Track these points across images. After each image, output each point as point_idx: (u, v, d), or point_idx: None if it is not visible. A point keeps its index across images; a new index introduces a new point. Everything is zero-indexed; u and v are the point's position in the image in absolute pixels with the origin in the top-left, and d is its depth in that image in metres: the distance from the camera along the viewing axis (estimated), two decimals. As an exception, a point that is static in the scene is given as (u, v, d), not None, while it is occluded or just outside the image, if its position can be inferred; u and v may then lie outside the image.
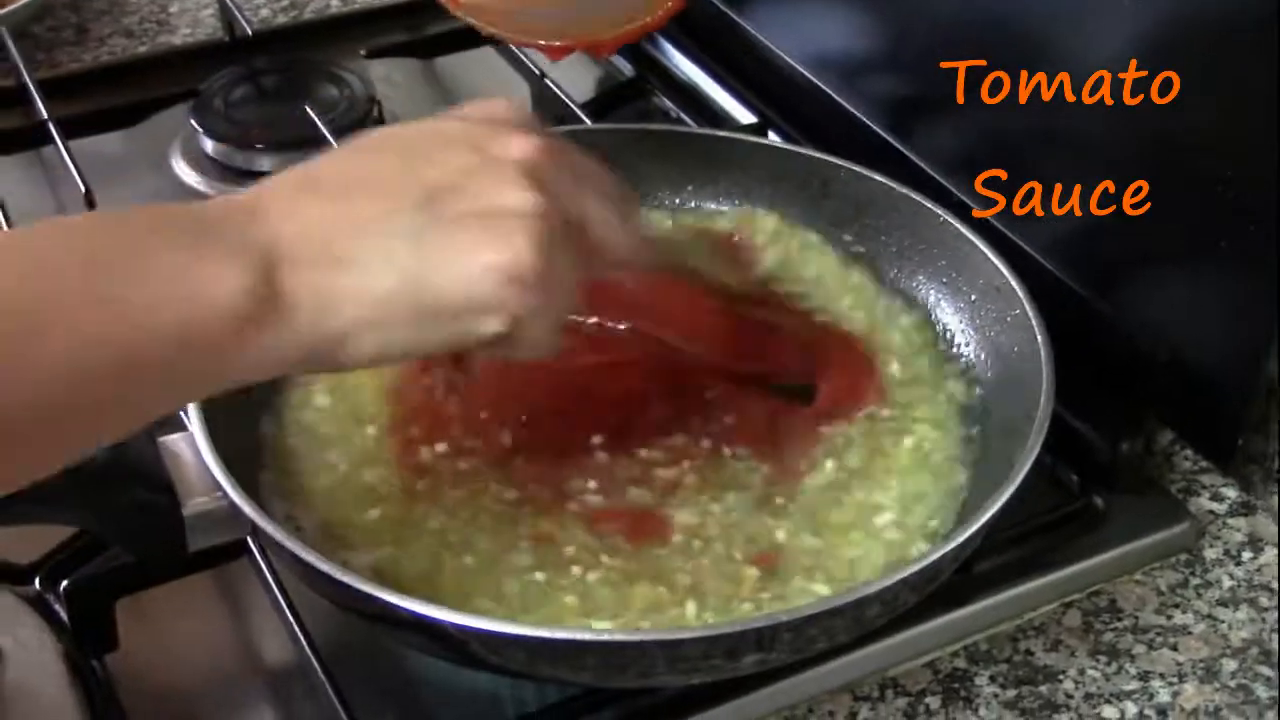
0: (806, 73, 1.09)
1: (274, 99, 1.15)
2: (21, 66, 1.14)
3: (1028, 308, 0.79)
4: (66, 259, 0.56)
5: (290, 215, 0.60)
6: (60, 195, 1.08)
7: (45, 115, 1.09)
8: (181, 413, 0.71)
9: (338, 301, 0.60)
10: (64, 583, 0.75)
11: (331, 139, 1.05)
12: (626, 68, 1.20)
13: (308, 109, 1.09)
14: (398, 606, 0.64)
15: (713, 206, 0.95)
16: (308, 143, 1.07)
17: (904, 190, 0.88)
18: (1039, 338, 0.78)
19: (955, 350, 0.85)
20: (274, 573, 0.75)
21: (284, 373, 0.69)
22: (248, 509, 0.67)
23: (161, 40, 1.27)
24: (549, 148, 0.64)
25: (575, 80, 1.15)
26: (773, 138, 1.07)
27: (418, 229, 0.61)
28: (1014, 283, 0.81)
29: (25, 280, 0.54)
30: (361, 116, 1.12)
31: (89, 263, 0.56)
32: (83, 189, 1.00)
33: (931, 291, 0.87)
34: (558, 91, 1.10)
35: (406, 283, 0.60)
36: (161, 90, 1.17)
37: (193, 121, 1.12)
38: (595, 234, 0.66)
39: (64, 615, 0.75)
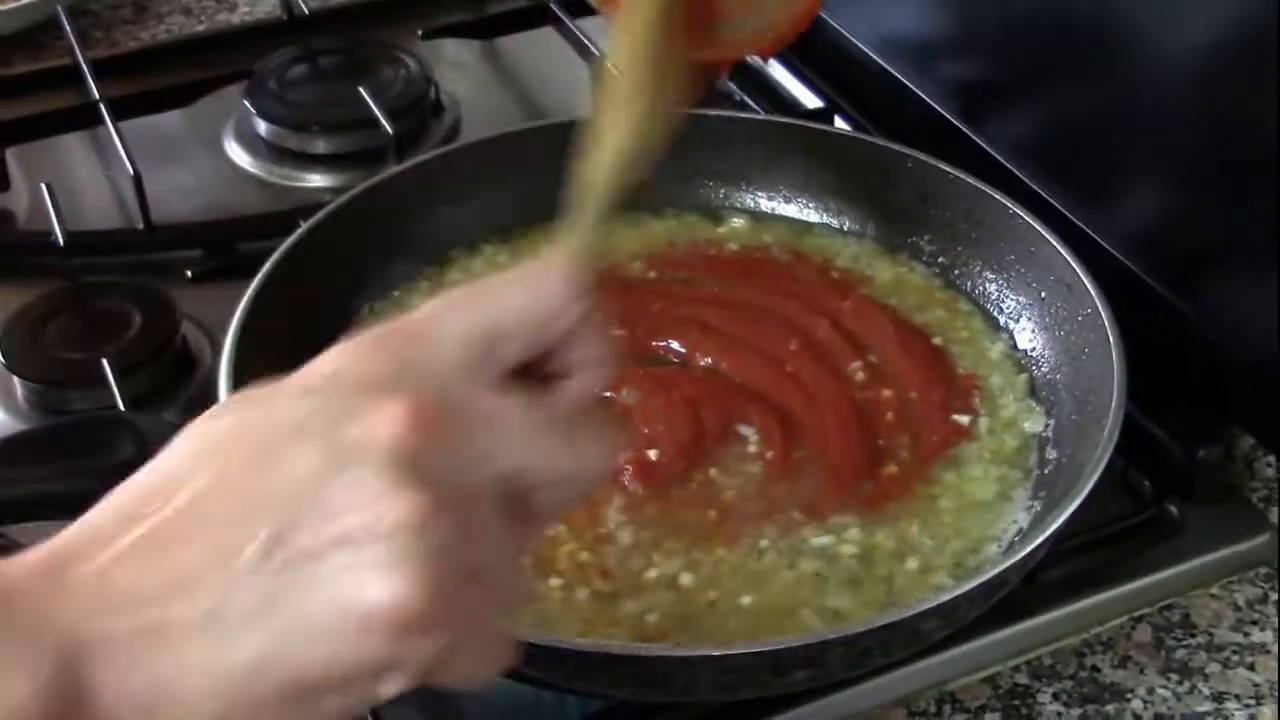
0: (875, 56, 1.06)
1: (329, 80, 1.14)
2: (76, 46, 1.14)
3: (1100, 306, 0.76)
4: None
5: (103, 576, 0.44)
6: (112, 176, 1.06)
7: (96, 95, 1.08)
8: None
9: (166, 696, 0.43)
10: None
11: (385, 121, 1.03)
12: (690, 49, 1.16)
13: (361, 90, 1.07)
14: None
15: (767, 202, 0.92)
16: (362, 124, 1.05)
17: (971, 180, 0.85)
18: (1111, 337, 0.74)
19: (1022, 350, 0.81)
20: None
21: None
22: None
23: (220, 19, 1.26)
24: (432, 421, 0.45)
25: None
26: (839, 124, 1.03)
27: (266, 575, 0.43)
28: (1086, 279, 0.78)
29: None
30: (418, 98, 1.10)
31: None
32: (131, 171, 0.98)
33: (997, 287, 0.84)
34: (617, 75, 1.06)
35: (260, 660, 0.43)
36: (215, 70, 1.16)
37: (246, 102, 1.10)
38: (539, 493, 0.49)
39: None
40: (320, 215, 0.84)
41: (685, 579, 0.70)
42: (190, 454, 0.46)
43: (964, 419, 0.78)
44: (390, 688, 0.45)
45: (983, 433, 0.78)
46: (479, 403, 0.47)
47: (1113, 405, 0.71)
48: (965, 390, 0.80)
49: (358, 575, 0.43)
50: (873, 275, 0.87)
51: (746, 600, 0.69)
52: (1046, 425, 0.78)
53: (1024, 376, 0.80)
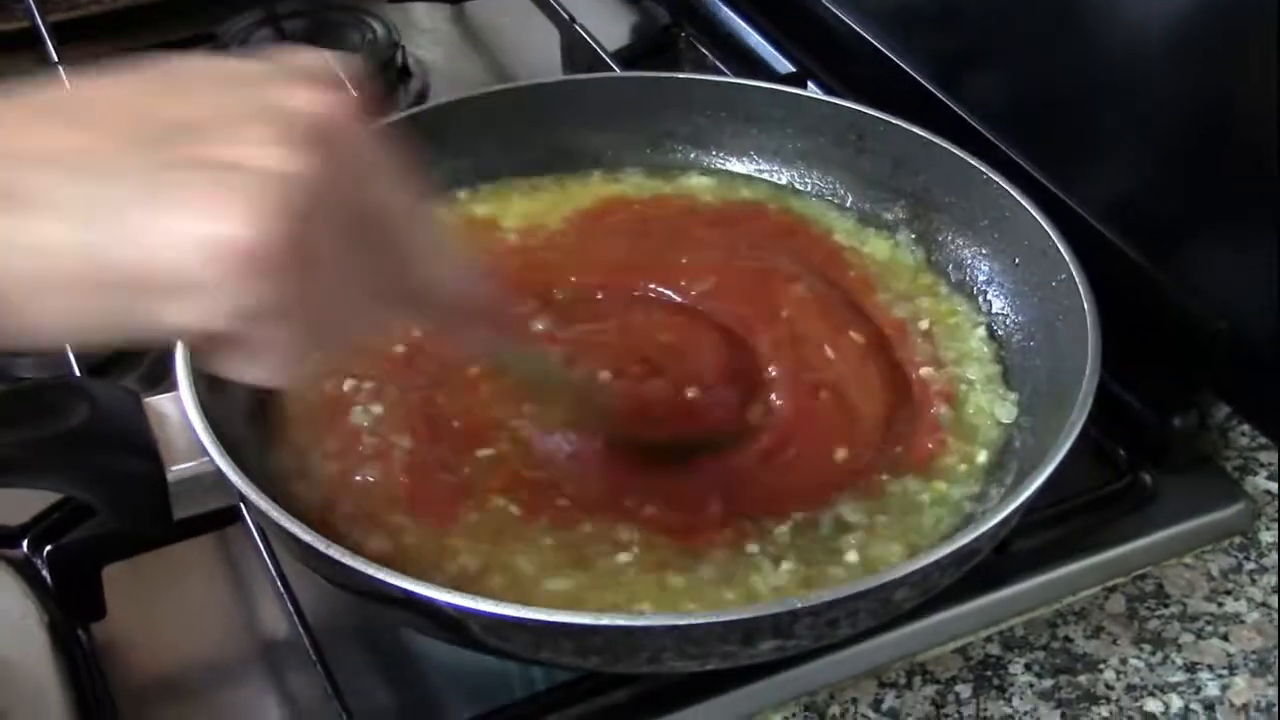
0: (850, 22, 1.04)
1: (293, 44, 1.11)
2: (35, 9, 1.11)
3: (1074, 271, 0.75)
4: None
5: None
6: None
7: (56, 59, 1.06)
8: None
9: (4, 244, 0.45)
10: (47, 548, 0.71)
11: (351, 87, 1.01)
12: (662, 14, 1.15)
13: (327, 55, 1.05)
14: (389, 584, 0.60)
15: (738, 164, 0.91)
16: (327, 89, 1.03)
17: (945, 144, 0.83)
18: (1085, 304, 0.73)
19: (995, 316, 0.80)
20: (267, 542, 0.71)
21: None
22: (233, 476, 0.63)
23: (184, -18, 1.23)
24: (349, 116, 0.49)
25: (607, 27, 1.11)
26: (811, 89, 1.02)
27: (126, 171, 0.45)
28: (1060, 244, 0.76)
29: None
30: (384, 62, 1.08)
31: None
32: (90, 135, 0.96)
33: (971, 253, 0.83)
34: (587, 38, 1.05)
35: (85, 236, 0.45)
36: (177, 34, 1.14)
37: (209, 66, 1.08)
38: (395, 246, 0.51)
39: (49, 582, 0.71)
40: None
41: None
42: (120, 75, 0.50)
43: (933, 440, 0.75)
44: (185, 314, 0.46)
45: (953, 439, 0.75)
46: (375, 146, 0.50)
47: (1086, 372, 0.70)
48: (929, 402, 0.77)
49: (213, 194, 0.45)
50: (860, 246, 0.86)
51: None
52: (1019, 393, 0.76)
53: (995, 343, 0.79)
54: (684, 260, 0.82)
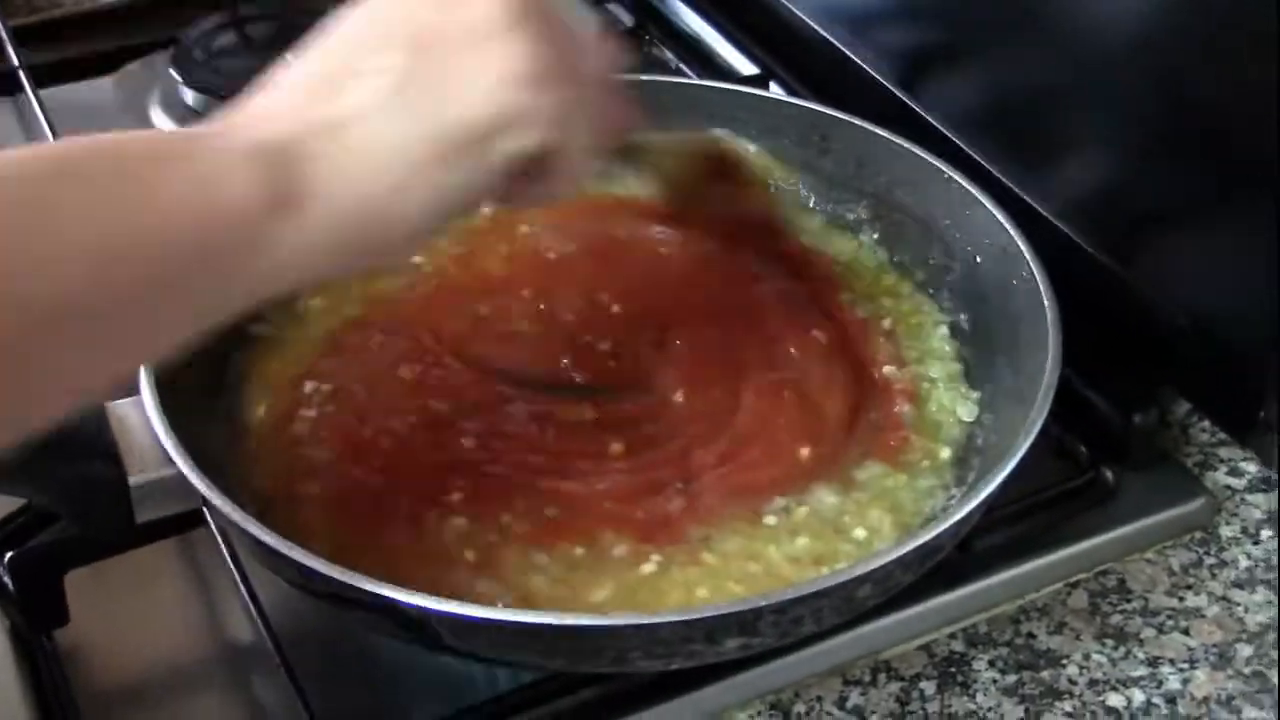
0: (812, 23, 1.05)
1: (258, 48, 1.11)
2: (-5, 12, 1.11)
3: (1035, 270, 0.75)
4: (91, 164, 0.53)
5: (279, 102, 0.58)
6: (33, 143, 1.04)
7: (17, 62, 1.05)
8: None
9: (354, 163, 0.56)
10: (9, 554, 0.71)
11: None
12: (625, 16, 1.15)
13: (290, 59, 1.04)
14: (352, 586, 0.60)
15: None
16: (290, 93, 1.03)
17: (907, 144, 0.84)
18: (1046, 300, 0.74)
19: (958, 316, 0.81)
20: (230, 546, 0.71)
21: (318, 273, 0.59)
22: (196, 480, 0.63)
23: (146, -16, 1.23)
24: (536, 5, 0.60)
25: (572, 29, 1.10)
26: (774, 90, 1.02)
27: (413, 66, 0.57)
28: (1021, 244, 0.77)
29: (46, 182, 0.51)
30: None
31: (109, 172, 0.53)
32: (51, 139, 0.96)
33: (933, 252, 0.83)
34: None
35: (421, 119, 0.57)
36: (141, 38, 1.13)
37: (172, 71, 1.08)
38: (583, 43, 0.62)
39: (11, 588, 0.71)
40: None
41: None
42: (328, 31, 0.60)
43: (895, 438, 0.75)
44: (528, 137, 0.58)
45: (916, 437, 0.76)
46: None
47: (1047, 369, 0.70)
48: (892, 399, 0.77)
49: (494, 50, 0.57)
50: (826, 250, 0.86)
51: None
52: (981, 391, 0.77)
53: (958, 340, 0.80)
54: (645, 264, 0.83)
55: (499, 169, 0.59)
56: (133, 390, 0.67)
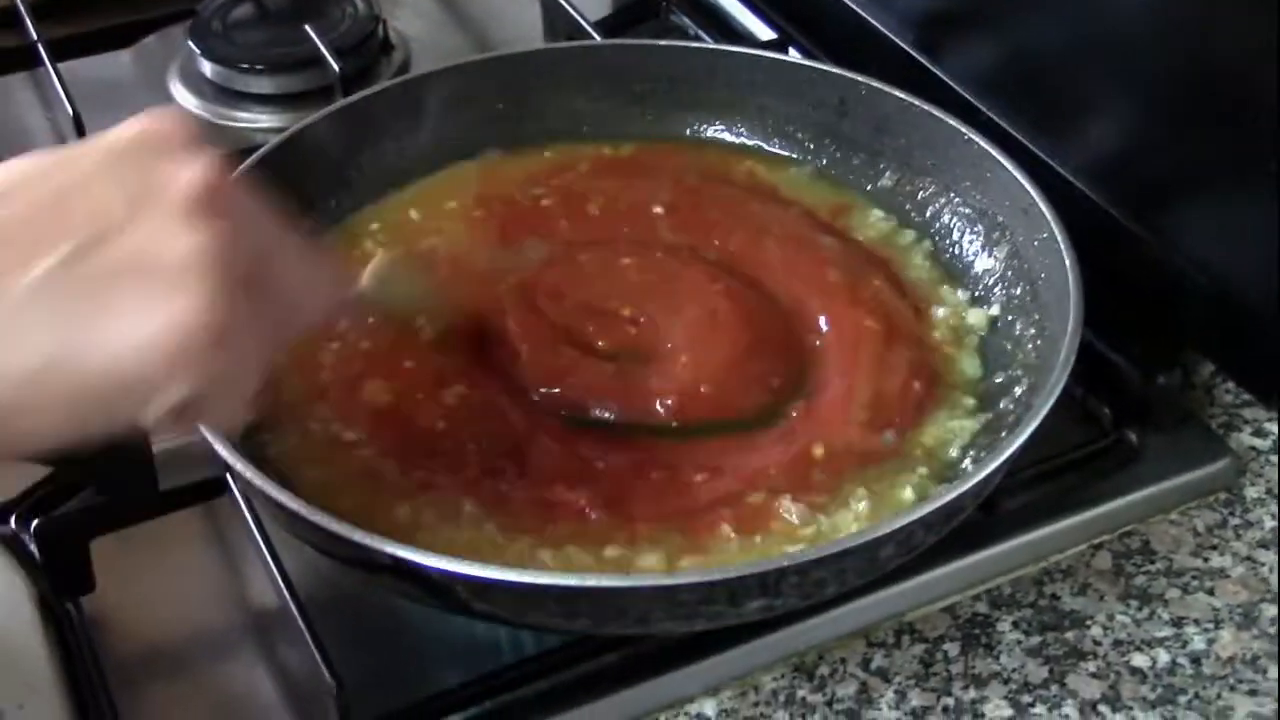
0: (830, -14, 1.04)
1: (274, 19, 1.11)
2: (14, -14, 1.11)
3: (1056, 231, 0.75)
4: None
5: None
6: (53, 118, 1.04)
7: (35, 36, 1.05)
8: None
9: None
10: (35, 522, 0.71)
11: (332, 60, 1.01)
12: (644, -18, 1.15)
13: (308, 29, 1.04)
14: (377, 550, 0.60)
15: (724, 131, 0.91)
16: (309, 63, 1.04)
17: (926, 106, 0.84)
18: (1068, 263, 0.73)
19: (978, 277, 0.80)
20: (254, 513, 0.71)
21: None
22: (219, 446, 0.63)
23: (163, -42, 1.23)
24: (223, 179, 0.53)
25: (588, -2, 1.10)
26: (793, 54, 1.02)
27: (61, 291, 0.49)
28: (1042, 204, 0.76)
29: None
30: (366, 36, 1.08)
31: None
32: (70, 113, 0.96)
33: (954, 215, 0.83)
34: (569, 8, 1.05)
35: (53, 362, 0.49)
36: (158, 10, 1.13)
37: (190, 43, 1.08)
38: (286, 282, 0.56)
39: (37, 556, 0.71)
40: (262, 151, 0.82)
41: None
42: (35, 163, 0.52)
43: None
44: (165, 399, 0.50)
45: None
46: (253, 196, 0.55)
47: (1069, 330, 0.70)
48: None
49: (152, 299, 0.49)
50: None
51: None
52: (1004, 353, 0.77)
53: (980, 303, 0.79)
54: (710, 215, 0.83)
55: (130, 421, 0.52)
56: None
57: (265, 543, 0.70)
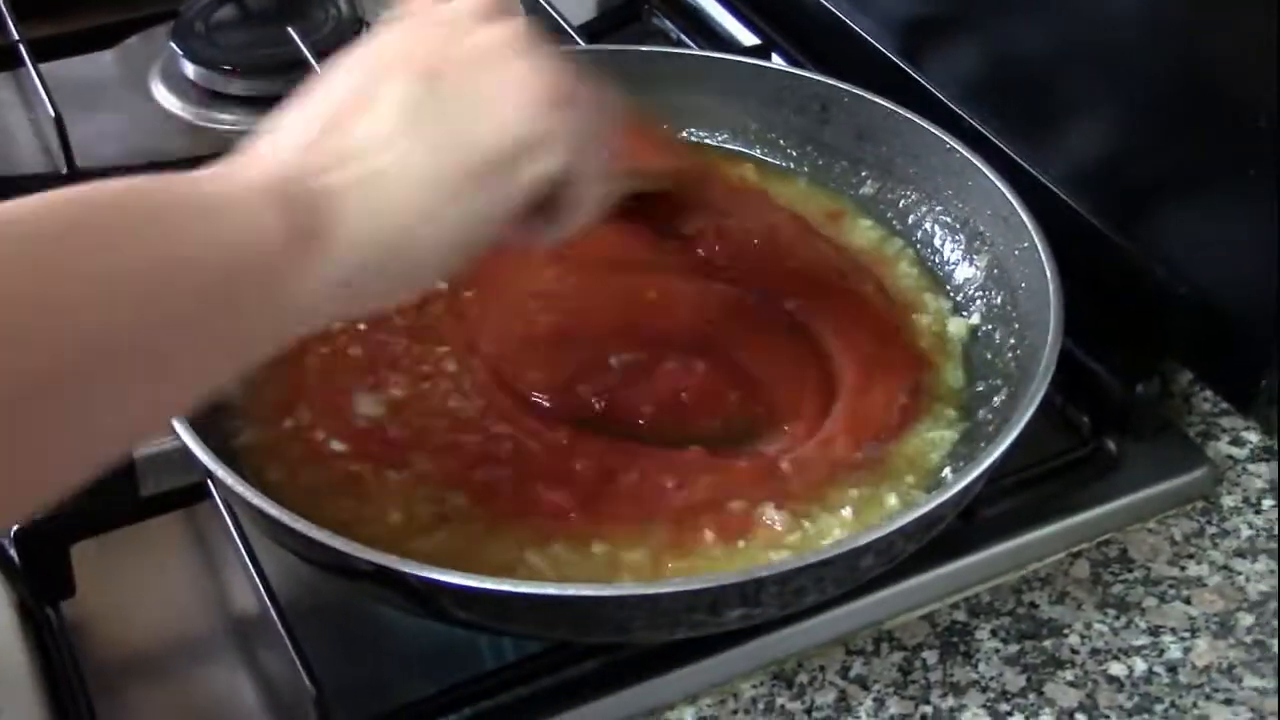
0: (813, -9, 1.04)
1: (257, 21, 1.11)
2: (-7, -14, 1.11)
3: (1036, 240, 0.75)
4: (112, 217, 0.50)
5: (298, 138, 0.56)
6: (34, 119, 1.04)
7: (16, 36, 1.05)
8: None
9: (376, 193, 0.55)
10: (15, 527, 0.71)
11: (315, 62, 1.01)
12: (627, -14, 1.15)
13: (291, 31, 1.04)
14: (357, 558, 0.60)
15: (707, 138, 0.91)
16: (291, 66, 1.03)
17: (907, 114, 0.84)
18: (1048, 271, 0.74)
19: (960, 285, 0.81)
20: (235, 518, 0.71)
21: (344, 306, 0.57)
22: (200, 452, 0.63)
23: (146, -42, 1.23)
24: (522, 29, 0.60)
25: (572, 1, 1.10)
26: (776, 60, 1.02)
27: (433, 93, 0.56)
28: (1023, 213, 0.77)
29: (59, 240, 0.48)
30: (348, 39, 1.07)
31: (123, 228, 0.50)
32: (52, 113, 0.96)
33: (935, 222, 0.83)
34: (552, 12, 1.05)
35: (447, 147, 0.56)
36: (141, 11, 1.13)
37: (172, 44, 1.08)
38: (584, 92, 0.61)
39: (17, 561, 0.71)
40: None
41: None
42: (338, 65, 0.59)
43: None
44: (551, 160, 0.58)
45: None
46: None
47: (1049, 338, 0.70)
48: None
49: (514, 74, 0.58)
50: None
51: None
52: (984, 361, 0.77)
53: (960, 311, 0.80)
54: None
55: (523, 194, 0.58)
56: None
57: (246, 548, 0.70)
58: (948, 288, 0.81)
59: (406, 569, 0.60)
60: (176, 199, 0.52)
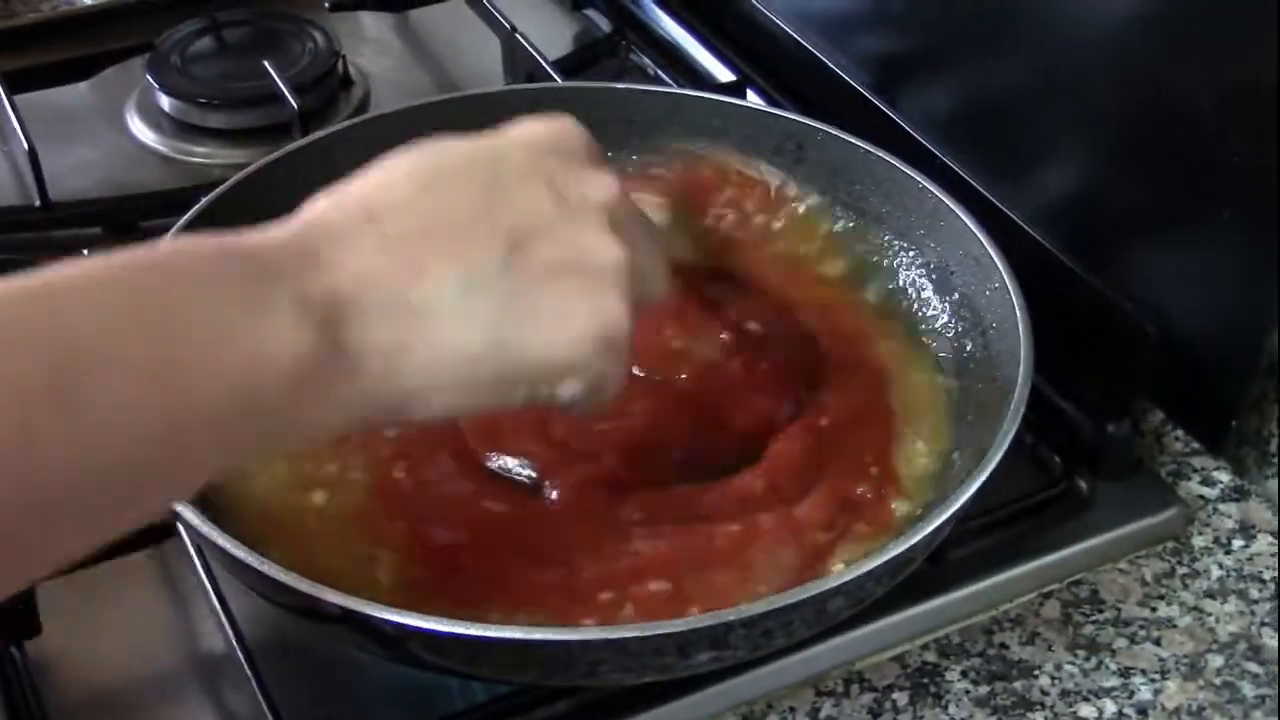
0: (790, 30, 1.05)
1: (233, 53, 1.11)
2: (-33, 18, 1.10)
3: (1007, 280, 0.75)
4: (109, 317, 0.48)
5: (354, 258, 0.54)
6: (8, 152, 1.04)
7: (-9, 73, 1.05)
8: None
9: (411, 361, 0.54)
10: (-21, 566, 0.70)
11: (290, 96, 1.01)
12: (603, 23, 1.15)
13: (266, 64, 1.04)
14: (325, 601, 0.60)
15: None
16: (267, 99, 1.03)
17: (880, 154, 0.84)
18: (1018, 311, 0.74)
19: (931, 325, 0.81)
20: (203, 557, 0.70)
21: (347, 430, 0.60)
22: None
23: (122, -9, 1.22)
24: (621, 190, 0.59)
25: (549, 36, 1.11)
26: (751, 97, 1.02)
27: (503, 282, 0.55)
28: (993, 253, 0.77)
29: (59, 336, 0.46)
30: (325, 72, 1.08)
31: (133, 320, 0.48)
32: (25, 146, 0.95)
33: (905, 261, 0.83)
34: (529, 47, 1.05)
35: (493, 345, 0.55)
36: (117, 43, 1.13)
37: (148, 76, 1.08)
38: (643, 281, 0.60)
39: (-18, 600, 0.71)
40: (221, 189, 0.82)
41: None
42: (412, 174, 0.57)
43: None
44: (573, 388, 0.58)
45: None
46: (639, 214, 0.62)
47: (1019, 378, 0.70)
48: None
49: (585, 298, 0.56)
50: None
51: None
52: (954, 400, 0.77)
53: (931, 351, 0.80)
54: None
55: (530, 403, 0.59)
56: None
57: (214, 587, 0.70)
58: (920, 324, 0.81)
59: (374, 612, 0.60)
60: (212, 299, 0.51)
